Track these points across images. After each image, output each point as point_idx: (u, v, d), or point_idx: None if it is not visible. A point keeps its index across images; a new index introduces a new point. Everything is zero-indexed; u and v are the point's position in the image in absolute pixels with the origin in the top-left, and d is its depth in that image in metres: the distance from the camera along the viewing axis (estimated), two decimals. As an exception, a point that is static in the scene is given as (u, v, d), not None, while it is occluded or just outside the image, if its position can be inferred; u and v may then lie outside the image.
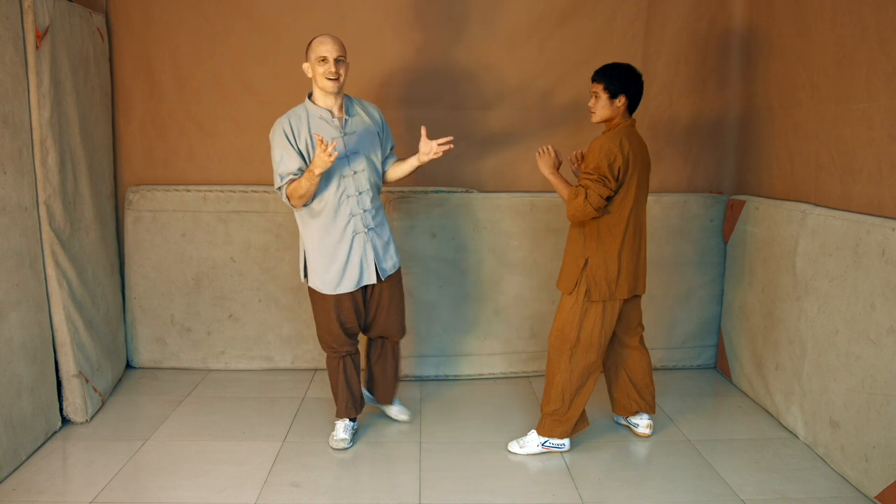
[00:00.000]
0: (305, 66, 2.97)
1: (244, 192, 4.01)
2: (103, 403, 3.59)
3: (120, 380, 3.92)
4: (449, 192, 4.02)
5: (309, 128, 2.94)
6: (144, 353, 4.10)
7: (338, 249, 3.01)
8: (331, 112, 2.97)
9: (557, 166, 3.07)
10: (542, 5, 3.97)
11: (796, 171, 3.44)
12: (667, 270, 4.07)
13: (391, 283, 3.20)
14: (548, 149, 3.09)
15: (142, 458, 3.07)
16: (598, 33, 4.00)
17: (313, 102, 2.99)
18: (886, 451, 2.65)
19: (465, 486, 2.87)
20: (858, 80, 2.92)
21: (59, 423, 3.30)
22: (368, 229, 3.05)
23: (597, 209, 2.88)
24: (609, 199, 2.91)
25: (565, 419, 3.09)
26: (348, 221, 3.00)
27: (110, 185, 3.93)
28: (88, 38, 3.58)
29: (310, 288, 3.12)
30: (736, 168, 4.13)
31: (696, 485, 2.89)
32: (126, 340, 4.08)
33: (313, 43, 2.93)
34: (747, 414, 3.59)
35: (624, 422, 3.41)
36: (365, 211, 3.04)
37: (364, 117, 3.09)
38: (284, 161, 2.92)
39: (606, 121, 3.00)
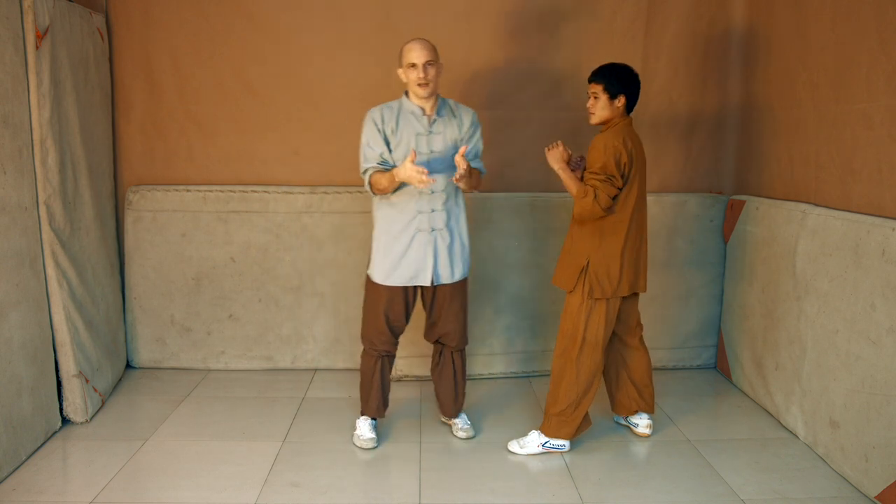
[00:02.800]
0: (399, 71, 3.01)
1: (244, 192, 4.01)
2: (103, 403, 3.58)
3: (120, 380, 3.92)
4: (449, 192, 4.02)
5: (398, 122, 2.99)
6: (144, 353, 4.10)
7: (397, 242, 3.02)
8: (423, 109, 3.02)
9: (567, 160, 3.06)
10: (543, 5, 3.97)
11: (796, 171, 3.44)
12: (667, 270, 4.07)
13: (453, 289, 3.16)
14: (557, 143, 3.08)
15: (142, 458, 3.07)
16: (598, 33, 4.00)
17: (409, 100, 3.04)
18: (886, 451, 2.65)
19: (465, 486, 2.87)
20: (858, 80, 2.92)
21: (59, 423, 3.29)
22: (433, 229, 3.03)
23: (605, 209, 2.89)
24: (615, 197, 2.92)
25: (571, 419, 3.09)
26: (414, 217, 3.01)
27: (110, 185, 3.93)
28: (88, 38, 3.58)
29: (367, 278, 3.14)
30: (736, 168, 4.12)
31: (696, 485, 2.89)
32: (126, 340, 4.08)
33: (403, 50, 2.97)
34: (747, 414, 3.59)
35: (624, 422, 3.41)
36: (433, 211, 3.02)
37: (452, 120, 3.07)
38: (370, 147, 2.98)
39: (605, 122, 3.00)
